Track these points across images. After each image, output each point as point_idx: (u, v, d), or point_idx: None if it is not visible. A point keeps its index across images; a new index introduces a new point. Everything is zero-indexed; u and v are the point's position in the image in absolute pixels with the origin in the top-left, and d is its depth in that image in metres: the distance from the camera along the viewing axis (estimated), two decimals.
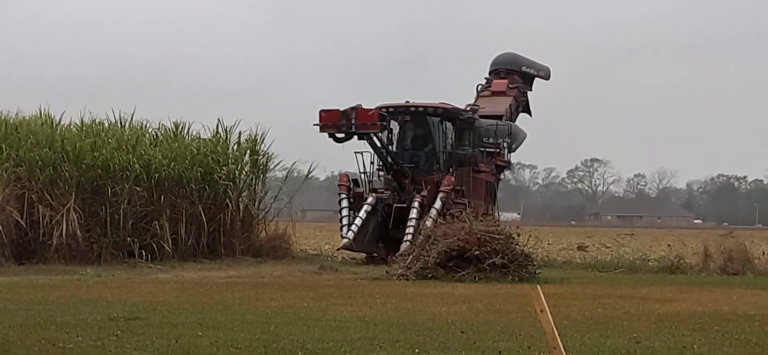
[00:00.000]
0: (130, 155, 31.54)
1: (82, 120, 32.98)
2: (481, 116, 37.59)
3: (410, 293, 21.40)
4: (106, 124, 33.33)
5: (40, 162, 30.18)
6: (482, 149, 37.34)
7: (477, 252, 25.67)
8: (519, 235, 27.15)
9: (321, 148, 36.86)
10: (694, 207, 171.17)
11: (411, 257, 26.79)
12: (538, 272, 26.72)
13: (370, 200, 33.32)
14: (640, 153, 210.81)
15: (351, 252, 33.96)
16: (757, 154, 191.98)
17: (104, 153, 31.13)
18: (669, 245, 45.44)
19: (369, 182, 34.84)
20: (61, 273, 26.72)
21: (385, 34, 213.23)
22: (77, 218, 29.73)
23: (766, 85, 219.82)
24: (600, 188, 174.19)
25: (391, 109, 35.03)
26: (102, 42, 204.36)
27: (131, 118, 34.11)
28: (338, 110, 32.49)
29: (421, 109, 35.54)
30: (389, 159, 34.18)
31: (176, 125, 34.90)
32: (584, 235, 63.46)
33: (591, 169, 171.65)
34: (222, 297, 20.04)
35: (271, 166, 36.24)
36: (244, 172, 35.25)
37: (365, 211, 32.93)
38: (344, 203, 33.73)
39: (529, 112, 42.97)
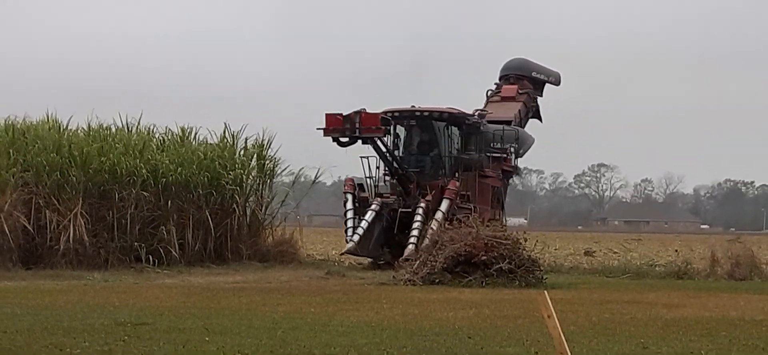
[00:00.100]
0: (138, 160, 31.55)
1: (89, 125, 33.05)
2: (490, 121, 37.53)
3: (417, 298, 21.38)
4: (114, 129, 33.37)
5: (47, 167, 30.21)
6: (489, 154, 37.29)
7: (484, 257, 25.65)
8: (526, 240, 27.14)
9: (335, 156, 36.73)
10: (702, 212, 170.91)
11: (418, 262, 26.74)
12: (545, 277, 26.70)
13: (374, 204, 33.30)
14: (647, 158, 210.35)
15: (356, 257, 33.94)
16: (764, 159, 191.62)
17: (111, 158, 31.14)
18: (676, 251, 45.39)
19: (375, 187, 34.79)
20: (68, 278, 26.74)
21: (393, 42, 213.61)
22: (84, 222, 29.73)
23: None
24: (607, 193, 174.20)
25: (396, 114, 35.01)
26: (114, 50, 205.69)
27: (138, 123, 34.25)
28: (342, 115, 32.50)
29: (426, 113, 35.52)
30: (394, 164, 34.13)
31: (183, 130, 34.91)
32: (591, 240, 63.40)
33: (598, 175, 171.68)
34: (229, 302, 20.04)
35: (278, 172, 36.25)
36: (251, 177, 35.23)
37: (370, 215, 32.92)
38: (349, 208, 33.73)
39: (540, 119, 42.86)
